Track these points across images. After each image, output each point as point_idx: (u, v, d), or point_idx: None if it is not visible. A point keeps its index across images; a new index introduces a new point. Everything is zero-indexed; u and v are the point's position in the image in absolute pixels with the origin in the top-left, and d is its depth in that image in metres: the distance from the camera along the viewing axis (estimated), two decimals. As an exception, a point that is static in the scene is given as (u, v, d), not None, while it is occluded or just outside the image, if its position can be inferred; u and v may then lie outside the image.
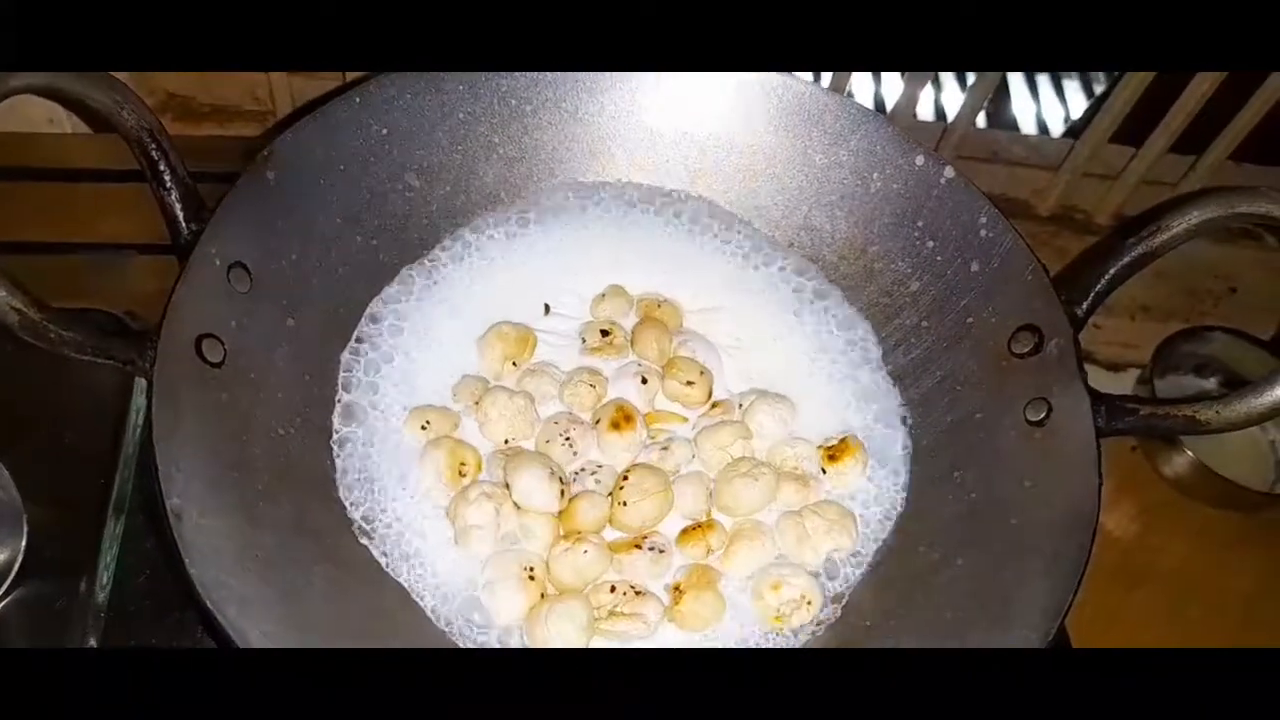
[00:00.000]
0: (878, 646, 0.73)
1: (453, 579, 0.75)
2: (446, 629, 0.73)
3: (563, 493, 0.77)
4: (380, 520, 0.77)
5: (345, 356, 0.83)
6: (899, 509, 0.83)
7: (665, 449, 0.81)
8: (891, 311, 0.90)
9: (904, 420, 0.86)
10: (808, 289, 0.92)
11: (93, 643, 0.80)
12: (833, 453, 0.83)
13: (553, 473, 0.77)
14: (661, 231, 0.93)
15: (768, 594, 0.76)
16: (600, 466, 0.80)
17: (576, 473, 0.80)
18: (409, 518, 0.77)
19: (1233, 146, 1.23)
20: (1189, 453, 1.07)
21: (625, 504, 0.77)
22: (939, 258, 0.87)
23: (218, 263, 0.74)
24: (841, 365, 0.88)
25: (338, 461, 0.79)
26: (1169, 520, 1.10)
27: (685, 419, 0.84)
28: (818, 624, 0.76)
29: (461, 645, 0.72)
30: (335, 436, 0.79)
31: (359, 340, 0.84)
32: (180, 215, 0.73)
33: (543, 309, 0.89)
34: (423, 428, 0.80)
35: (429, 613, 0.74)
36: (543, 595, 0.75)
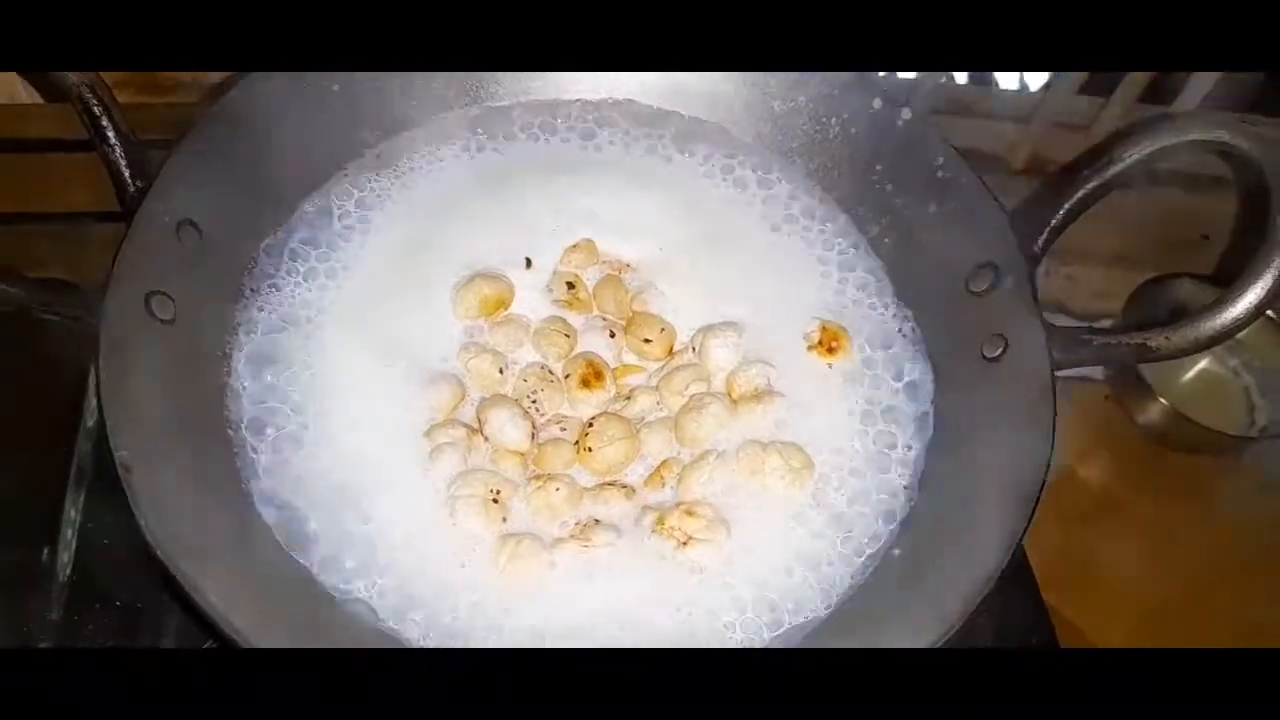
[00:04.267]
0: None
1: (415, 533, 0.74)
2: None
3: (533, 436, 0.77)
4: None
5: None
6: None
7: (628, 399, 0.81)
8: (854, 257, 0.90)
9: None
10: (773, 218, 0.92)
11: (56, 612, 0.80)
12: (830, 345, 0.83)
13: (525, 413, 0.77)
14: (623, 169, 0.93)
15: (677, 514, 0.75)
16: (566, 417, 0.81)
17: (544, 424, 0.80)
18: (370, 471, 0.76)
19: (1202, 93, 1.22)
20: (1162, 400, 1.07)
21: (590, 450, 0.77)
22: (898, 200, 0.86)
23: (166, 220, 0.73)
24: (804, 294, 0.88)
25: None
26: (1143, 468, 1.10)
27: (644, 369, 0.84)
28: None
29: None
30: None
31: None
32: (126, 172, 0.73)
33: (524, 262, 0.87)
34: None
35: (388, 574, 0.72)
36: (504, 520, 0.74)
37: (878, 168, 0.88)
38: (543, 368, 0.82)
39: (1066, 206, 0.75)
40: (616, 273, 0.88)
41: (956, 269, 0.81)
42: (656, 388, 0.82)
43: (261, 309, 0.80)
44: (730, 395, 0.82)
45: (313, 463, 0.74)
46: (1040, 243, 0.76)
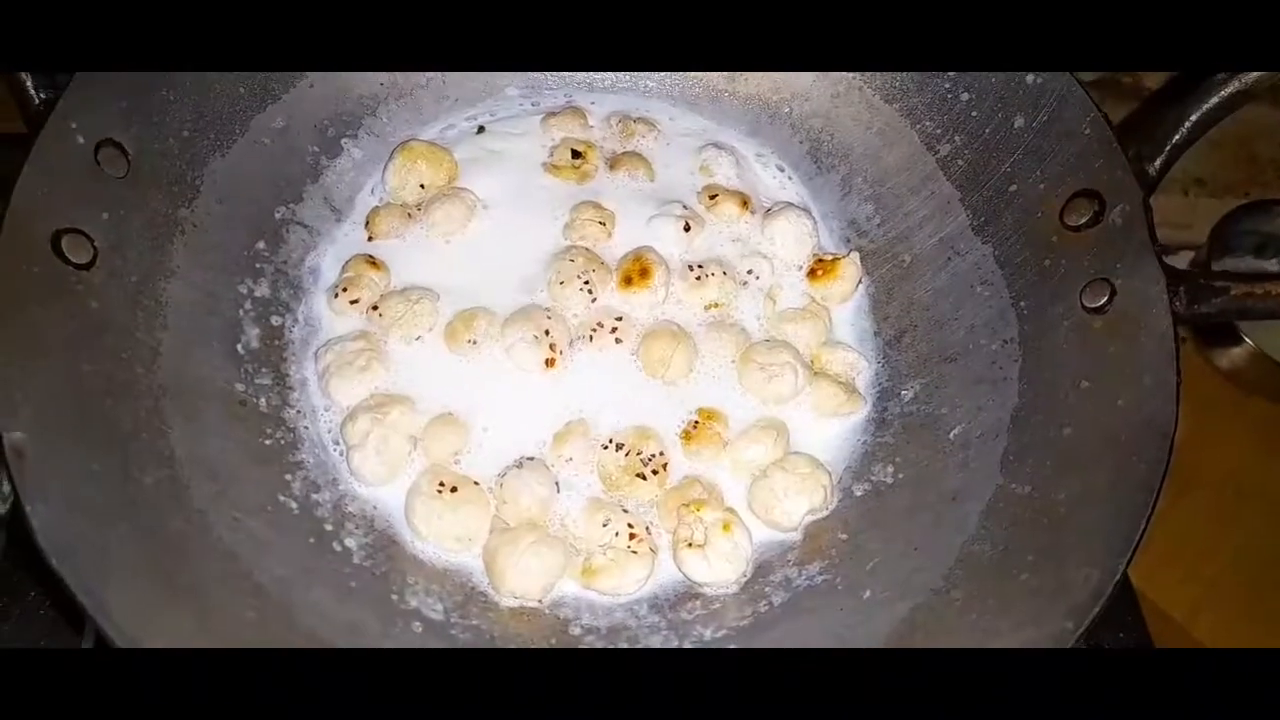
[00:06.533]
0: (890, 577, 0.63)
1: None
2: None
3: (549, 361, 0.70)
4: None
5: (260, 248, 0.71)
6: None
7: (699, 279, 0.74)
8: (915, 184, 0.76)
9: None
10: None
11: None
12: (816, 269, 0.76)
13: (537, 337, 0.70)
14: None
15: (719, 516, 0.66)
16: (620, 320, 0.72)
17: (596, 327, 0.72)
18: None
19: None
20: (1248, 341, 0.97)
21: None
22: (975, 113, 0.73)
23: (81, 140, 0.61)
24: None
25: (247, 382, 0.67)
26: (1223, 416, 1.00)
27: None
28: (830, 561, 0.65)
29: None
30: (245, 349, 0.68)
31: (279, 232, 0.72)
32: (28, 81, 0.60)
33: (476, 129, 0.79)
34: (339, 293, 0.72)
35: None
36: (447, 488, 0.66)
37: (950, 73, 0.74)
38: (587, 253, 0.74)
39: (1194, 118, 0.62)
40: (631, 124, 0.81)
41: (1049, 198, 0.68)
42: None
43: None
44: (812, 367, 0.73)
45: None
46: (1158, 164, 0.63)
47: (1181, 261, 1.09)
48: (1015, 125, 0.70)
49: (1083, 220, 0.66)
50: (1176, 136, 0.62)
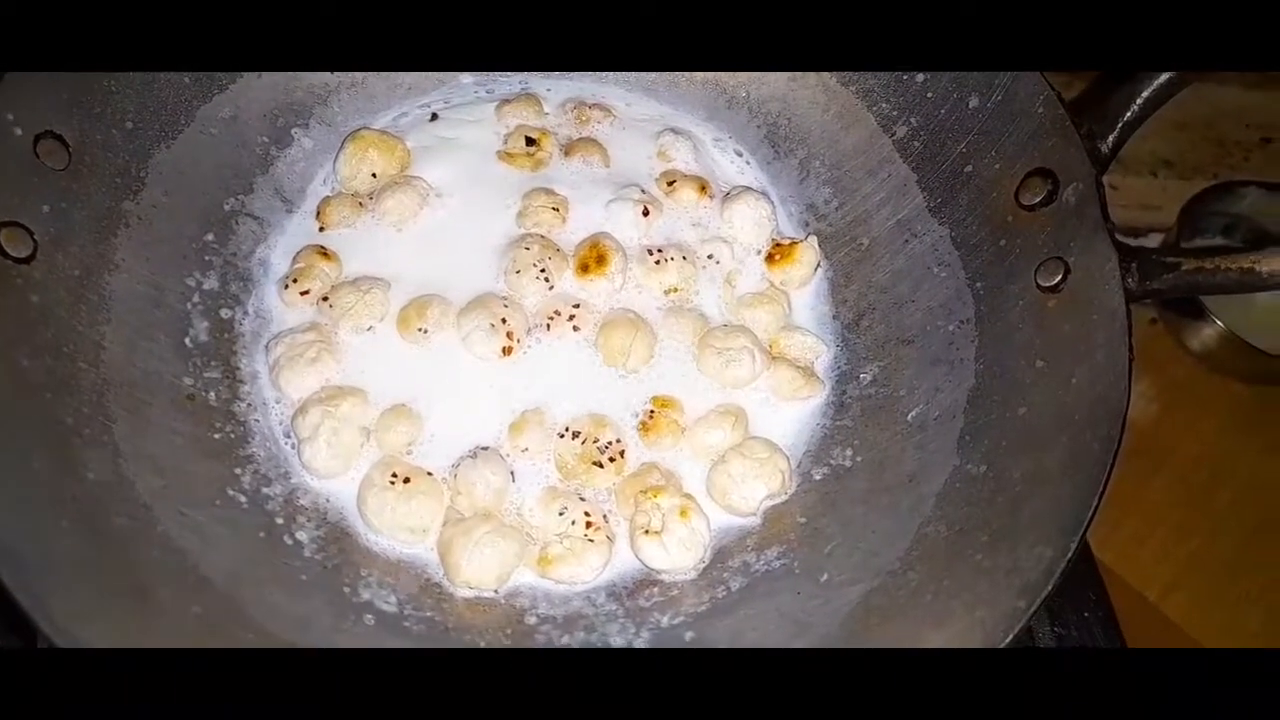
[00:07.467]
0: (847, 560, 0.62)
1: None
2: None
3: (506, 349, 0.69)
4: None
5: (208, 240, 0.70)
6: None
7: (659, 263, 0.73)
8: (873, 166, 0.76)
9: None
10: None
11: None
12: (774, 253, 0.75)
13: (494, 326, 0.69)
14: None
15: (677, 503, 0.66)
16: (577, 307, 0.71)
17: (553, 315, 0.71)
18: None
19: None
20: (1218, 322, 0.96)
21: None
22: (930, 94, 0.72)
23: (19, 131, 0.60)
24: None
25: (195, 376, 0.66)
26: (1194, 397, 1.00)
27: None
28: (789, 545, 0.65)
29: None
30: (193, 342, 0.67)
31: (228, 223, 0.71)
32: None
33: (429, 117, 0.79)
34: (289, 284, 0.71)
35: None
36: (400, 479, 0.65)
37: (905, 54, 0.73)
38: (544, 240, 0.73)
39: (1145, 95, 0.62)
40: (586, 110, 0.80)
41: (1004, 178, 0.68)
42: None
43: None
44: (771, 351, 0.73)
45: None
46: (1110, 142, 0.63)
47: (1151, 243, 1.09)
48: (970, 105, 0.70)
49: (1037, 199, 0.66)
50: (1128, 114, 0.62)
